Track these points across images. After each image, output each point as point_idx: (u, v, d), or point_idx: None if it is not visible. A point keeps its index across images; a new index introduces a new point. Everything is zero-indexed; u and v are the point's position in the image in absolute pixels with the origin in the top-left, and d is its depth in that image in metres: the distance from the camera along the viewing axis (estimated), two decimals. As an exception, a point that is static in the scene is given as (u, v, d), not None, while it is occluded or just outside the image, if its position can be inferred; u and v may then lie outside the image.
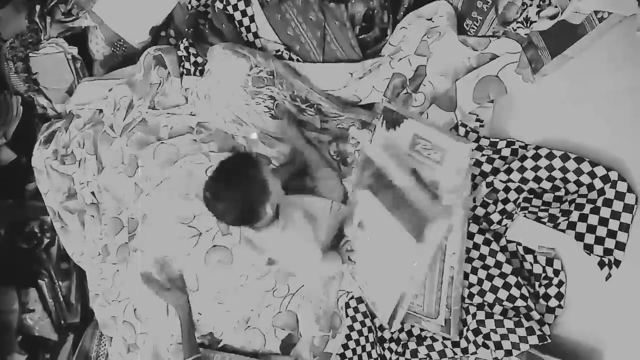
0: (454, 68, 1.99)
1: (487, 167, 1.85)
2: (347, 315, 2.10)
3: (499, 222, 1.82)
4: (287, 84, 2.10)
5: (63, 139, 2.57)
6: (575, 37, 1.69)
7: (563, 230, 1.66)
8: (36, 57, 2.69)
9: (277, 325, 2.12)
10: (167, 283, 2.12)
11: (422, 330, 1.94)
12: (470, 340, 1.79)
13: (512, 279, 1.73)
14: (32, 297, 2.61)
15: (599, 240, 1.60)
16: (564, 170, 1.68)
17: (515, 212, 1.78)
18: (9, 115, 2.69)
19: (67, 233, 2.62)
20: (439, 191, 1.66)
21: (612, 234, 1.58)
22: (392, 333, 1.99)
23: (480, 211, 1.84)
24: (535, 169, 1.73)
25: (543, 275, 1.75)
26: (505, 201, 1.81)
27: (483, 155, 1.87)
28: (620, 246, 1.57)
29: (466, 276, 1.80)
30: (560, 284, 1.71)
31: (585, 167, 1.64)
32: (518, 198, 1.78)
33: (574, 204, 1.65)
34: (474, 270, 1.79)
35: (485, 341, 1.75)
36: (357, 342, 2.08)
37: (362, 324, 2.08)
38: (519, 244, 1.82)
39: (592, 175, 1.63)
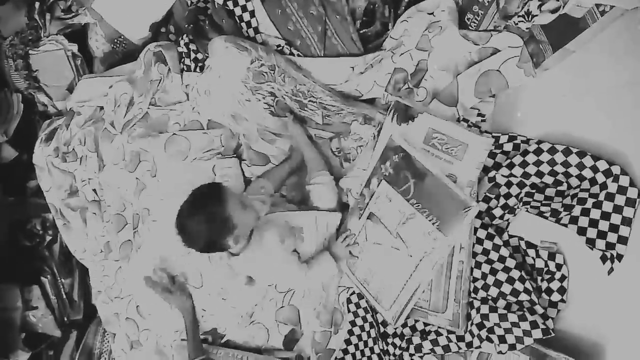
0: (456, 62, 1.98)
1: (489, 162, 1.85)
2: (348, 311, 2.11)
3: (501, 217, 1.82)
4: (288, 78, 2.09)
5: (64, 136, 2.57)
6: (577, 30, 1.68)
7: (565, 225, 1.66)
8: (36, 55, 2.68)
9: (279, 320, 2.13)
10: (170, 285, 2.12)
11: (426, 325, 1.95)
12: (474, 334, 1.79)
13: (515, 273, 1.73)
14: (35, 294, 2.62)
15: (601, 235, 1.60)
16: (566, 164, 1.68)
17: (518, 207, 1.79)
18: (10, 112, 2.69)
19: (69, 230, 2.62)
20: (457, 185, 1.71)
21: (614, 228, 1.58)
22: (395, 328, 2.00)
23: (482, 206, 1.84)
24: (537, 163, 1.73)
25: (545, 269, 1.75)
26: (508, 196, 1.81)
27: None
28: (623, 240, 1.57)
29: (470, 271, 1.81)
30: (562, 278, 1.72)
31: (588, 161, 1.64)
32: (520, 193, 1.78)
33: (576, 199, 1.65)
34: (478, 265, 1.80)
35: (490, 335, 1.76)
36: (360, 337, 2.09)
37: (364, 319, 2.08)
38: (521, 238, 1.82)
39: (594, 169, 1.63)
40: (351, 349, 2.10)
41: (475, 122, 1.96)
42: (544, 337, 1.65)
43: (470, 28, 1.98)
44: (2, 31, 2.70)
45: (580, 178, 1.67)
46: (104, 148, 2.44)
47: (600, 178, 1.62)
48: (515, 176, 1.78)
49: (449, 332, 1.87)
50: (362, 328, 2.09)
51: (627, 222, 1.57)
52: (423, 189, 1.77)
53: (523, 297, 1.72)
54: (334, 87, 2.16)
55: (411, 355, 1.93)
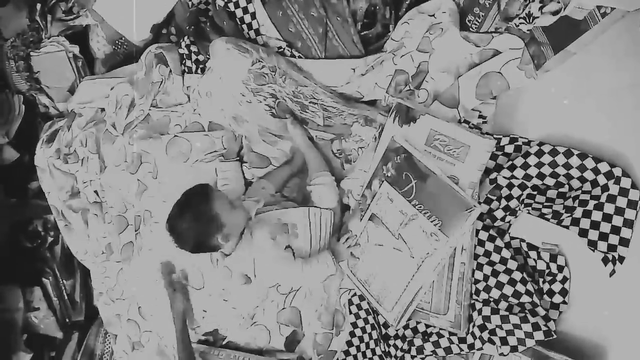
0: (457, 64, 1.98)
1: (490, 164, 1.85)
2: (350, 313, 2.11)
3: (503, 219, 1.82)
4: (289, 79, 2.09)
5: (65, 137, 2.57)
6: (578, 32, 1.68)
7: (567, 227, 1.66)
8: (37, 56, 2.69)
9: (281, 322, 2.13)
10: (178, 283, 2.14)
11: (427, 326, 1.95)
12: (476, 336, 1.80)
13: (517, 275, 1.73)
14: (36, 295, 2.63)
15: (603, 237, 1.60)
16: (567, 166, 1.68)
17: (519, 209, 1.79)
18: (11, 114, 2.69)
19: (70, 231, 2.62)
20: (459, 186, 1.72)
21: (616, 230, 1.58)
22: (396, 330, 2.00)
23: (484, 208, 1.84)
24: (539, 165, 1.73)
25: (547, 271, 1.75)
26: (509, 198, 1.81)
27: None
28: (625, 242, 1.57)
29: (472, 272, 1.81)
30: (564, 280, 1.72)
31: (589, 163, 1.64)
32: (521, 194, 1.78)
33: (577, 200, 1.65)
34: (480, 267, 1.80)
35: (491, 337, 1.76)
36: (361, 339, 2.09)
37: (365, 321, 2.09)
38: (522, 240, 1.82)
39: (595, 171, 1.63)
40: (352, 350, 2.10)
41: (477, 123, 1.96)
42: (545, 339, 1.65)
43: (471, 30, 1.98)
44: (4, 33, 2.70)
45: (582, 180, 1.67)
46: (106, 149, 2.45)
47: (601, 180, 1.62)
48: (516, 178, 1.78)
49: (451, 333, 1.87)
50: (363, 330, 2.09)
51: (628, 224, 1.57)
52: (425, 190, 1.77)
53: (525, 299, 1.72)
54: (335, 88, 2.16)
55: (413, 357, 1.92)
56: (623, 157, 1.62)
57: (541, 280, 1.77)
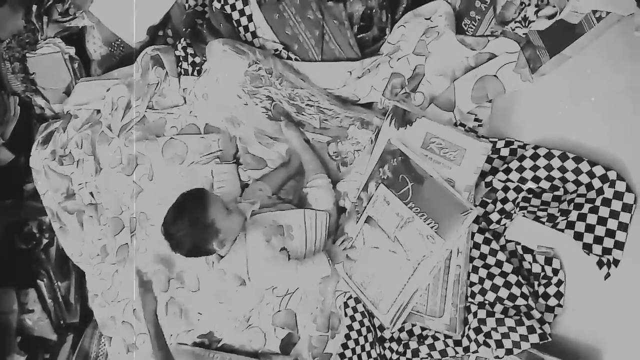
0: (453, 68, 1.99)
1: (486, 167, 1.86)
2: (345, 315, 2.11)
3: (498, 222, 1.83)
4: (286, 82, 2.09)
5: (61, 139, 2.56)
6: (574, 36, 1.69)
7: (562, 230, 1.66)
8: (33, 58, 2.68)
9: (276, 324, 2.13)
10: (143, 283, 2.14)
11: (423, 329, 1.95)
12: (471, 339, 1.80)
13: (512, 278, 1.74)
14: (31, 297, 2.61)
15: (598, 240, 1.60)
16: (562, 169, 1.69)
17: (514, 212, 1.79)
18: (7, 115, 2.68)
19: (65, 233, 2.61)
20: (455, 189, 1.73)
21: (611, 233, 1.59)
22: (392, 333, 2.00)
23: (479, 210, 1.84)
24: (534, 168, 1.73)
25: (542, 274, 1.76)
26: (504, 201, 1.81)
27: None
28: (619, 245, 1.57)
29: (467, 275, 1.81)
30: (559, 283, 1.72)
31: (584, 166, 1.65)
32: (517, 197, 1.79)
33: (572, 204, 1.65)
34: (475, 269, 1.80)
35: (487, 340, 1.76)
36: (357, 341, 2.09)
37: (361, 323, 2.08)
38: (518, 243, 1.83)
39: (590, 174, 1.64)
40: (348, 353, 2.10)
41: (472, 126, 1.96)
42: (541, 342, 1.65)
43: (467, 33, 1.98)
44: (-1, 34, 2.70)
45: (577, 183, 1.67)
46: (101, 151, 2.44)
47: (596, 183, 1.62)
48: (512, 181, 1.78)
49: (446, 336, 1.87)
50: (359, 332, 2.09)
51: (623, 227, 1.58)
52: (421, 192, 1.78)
53: (520, 301, 1.72)
54: (332, 91, 2.17)
55: (408, 359, 1.93)
56: (618, 161, 1.62)
57: (536, 283, 1.77)
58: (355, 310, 2.10)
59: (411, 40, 2.03)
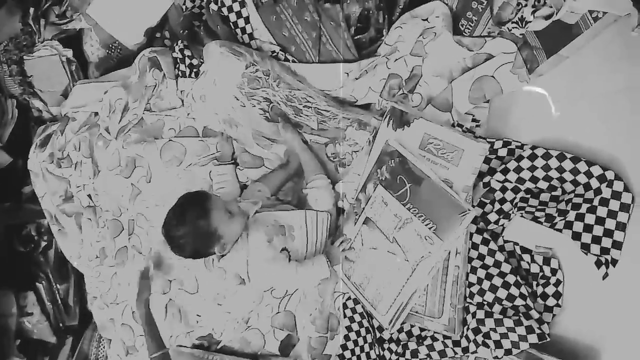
0: (450, 68, 1.99)
1: (483, 167, 1.86)
2: (344, 316, 2.11)
3: (496, 222, 1.83)
4: (283, 83, 2.09)
5: (59, 142, 2.56)
6: (571, 36, 1.69)
7: (560, 230, 1.67)
8: (31, 60, 2.68)
9: (275, 326, 2.12)
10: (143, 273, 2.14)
11: (422, 330, 1.95)
12: (470, 339, 1.80)
13: (511, 278, 1.74)
14: (30, 300, 2.61)
15: (596, 240, 1.60)
16: (560, 169, 1.69)
17: (512, 212, 1.79)
18: (5, 118, 2.68)
19: (64, 236, 2.61)
20: (453, 190, 1.73)
21: (608, 233, 1.59)
22: (391, 333, 2.00)
23: (477, 211, 1.84)
24: (532, 168, 1.74)
25: (540, 274, 1.76)
26: (502, 201, 1.81)
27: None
28: (617, 245, 1.58)
29: (466, 276, 1.81)
30: (557, 283, 1.72)
31: (582, 166, 1.65)
32: (515, 198, 1.79)
33: (570, 204, 1.66)
34: (473, 270, 1.80)
35: (485, 340, 1.76)
36: (356, 342, 2.09)
37: (360, 324, 2.09)
38: (516, 243, 1.83)
39: (588, 174, 1.64)
40: (347, 354, 2.10)
41: (470, 127, 1.97)
42: (539, 342, 1.65)
43: (465, 34, 1.99)
44: (-4, 37, 2.70)
45: (575, 183, 1.68)
46: (99, 154, 2.44)
47: (594, 183, 1.63)
48: (509, 181, 1.78)
49: (445, 337, 1.87)
50: (358, 333, 2.09)
51: (621, 227, 1.58)
52: (419, 193, 1.78)
53: (519, 302, 1.72)
54: (329, 92, 2.17)
55: (407, 360, 1.93)
56: (616, 161, 1.63)
57: (535, 283, 1.77)
58: (354, 311, 2.10)
59: (408, 42, 2.03)
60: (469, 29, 1.97)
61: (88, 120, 2.54)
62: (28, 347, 2.57)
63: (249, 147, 2.23)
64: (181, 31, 2.36)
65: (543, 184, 1.74)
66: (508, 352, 1.72)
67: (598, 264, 1.59)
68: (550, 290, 1.73)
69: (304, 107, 2.13)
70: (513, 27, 1.79)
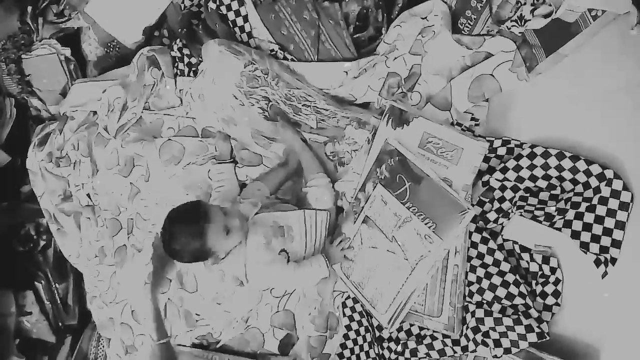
0: (449, 67, 1.99)
1: (483, 166, 1.86)
2: (344, 315, 2.11)
3: (495, 221, 1.83)
4: (282, 82, 2.09)
5: (57, 141, 2.56)
6: (570, 35, 1.70)
7: (559, 229, 1.67)
8: (29, 59, 2.68)
9: (275, 325, 2.12)
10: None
11: (421, 329, 1.95)
12: (469, 338, 1.80)
13: (510, 277, 1.74)
14: (29, 299, 2.61)
15: (595, 239, 1.61)
16: (559, 168, 1.69)
17: (512, 211, 1.79)
18: (3, 117, 2.68)
19: (63, 235, 2.61)
20: (453, 189, 1.73)
21: (608, 231, 1.59)
22: (390, 332, 2.00)
23: (476, 210, 1.84)
24: (531, 167, 1.74)
25: (540, 273, 1.76)
26: (502, 200, 1.81)
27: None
28: (616, 244, 1.58)
29: (465, 275, 1.81)
30: (557, 281, 1.72)
31: (581, 165, 1.65)
32: (514, 197, 1.79)
33: (569, 203, 1.66)
34: (473, 269, 1.80)
35: (485, 339, 1.76)
36: (355, 341, 2.09)
37: (360, 323, 2.09)
38: (515, 242, 1.83)
39: (587, 173, 1.64)
40: (347, 353, 2.10)
41: (469, 126, 1.97)
42: (539, 341, 1.65)
43: (464, 32, 1.98)
44: (-6, 36, 2.69)
45: (574, 182, 1.68)
46: (98, 153, 2.43)
47: (593, 182, 1.63)
48: (509, 180, 1.78)
49: (444, 336, 1.87)
50: (357, 332, 2.09)
51: (620, 225, 1.58)
52: (419, 192, 1.78)
53: (518, 300, 1.72)
54: (328, 91, 2.16)
55: (406, 359, 1.93)
56: (615, 159, 1.63)
57: (534, 282, 1.77)
58: (353, 310, 2.10)
59: (407, 40, 2.03)
60: (468, 27, 1.97)
61: (87, 119, 2.54)
62: (27, 346, 2.57)
63: (248, 146, 2.22)
64: (180, 30, 2.36)
65: (542, 183, 1.74)
66: (507, 351, 1.72)
67: (597, 262, 1.60)
68: (549, 289, 1.73)
69: (303, 105, 2.13)
70: (512, 26, 1.80)
